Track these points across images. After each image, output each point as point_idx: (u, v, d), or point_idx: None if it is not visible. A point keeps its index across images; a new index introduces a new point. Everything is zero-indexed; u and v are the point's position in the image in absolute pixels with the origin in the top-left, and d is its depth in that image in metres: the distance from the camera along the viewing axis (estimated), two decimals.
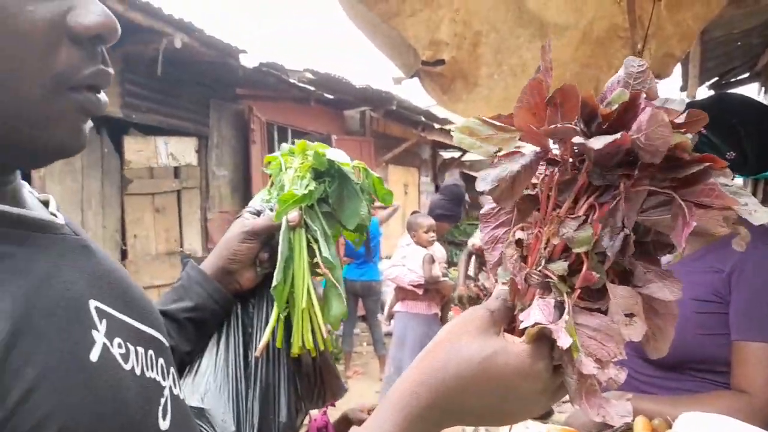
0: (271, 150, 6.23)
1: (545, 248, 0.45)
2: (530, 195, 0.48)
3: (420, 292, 3.87)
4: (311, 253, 0.84)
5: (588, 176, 0.45)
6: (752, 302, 1.10)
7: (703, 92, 4.55)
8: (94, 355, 0.45)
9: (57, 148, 0.45)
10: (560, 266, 0.44)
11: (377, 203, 0.94)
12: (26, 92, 0.41)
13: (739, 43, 3.93)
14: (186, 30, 4.20)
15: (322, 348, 0.84)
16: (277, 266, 0.80)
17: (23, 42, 0.39)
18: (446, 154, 11.11)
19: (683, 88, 3.87)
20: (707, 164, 0.42)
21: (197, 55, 4.58)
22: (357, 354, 6.36)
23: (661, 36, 2.25)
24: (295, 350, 0.81)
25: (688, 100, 2.59)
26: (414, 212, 8.37)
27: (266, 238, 0.84)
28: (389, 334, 4.61)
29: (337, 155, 0.87)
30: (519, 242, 0.47)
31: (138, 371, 0.50)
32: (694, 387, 1.16)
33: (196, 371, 0.80)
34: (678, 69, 4.03)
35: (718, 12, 2.26)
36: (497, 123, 0.49)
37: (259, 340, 0.82)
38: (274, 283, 0.80)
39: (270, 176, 0.92)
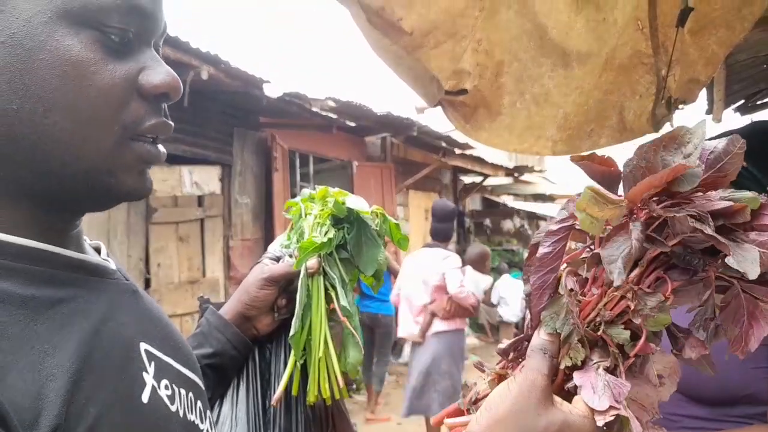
0: (293, 177, 6.29)
1: (604, 307, 0.44)
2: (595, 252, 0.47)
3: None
4: (328, 300, 0.84)
5: (670, 253, 0.44)
6: None
7: (729, 115, 4.48)
8: (145, 397, 0.48)
9: (125, 193, 0.49)
10: (622, 335, 0.43)
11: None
12: (101, 141, 0.46)
13: (765, 66, 3.87)
14: (213, 62, 4.31)
15: (337, 397, 0.83)
16: (296, 314, 0.81)
17: (102, 97, 0.45)
18: (467, 179, 11.10)
19: (708, 112, 3.82)
20: None
21: (223, 86, 4.69)
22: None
23: (686, 61, 2.23)
24: (311, 398, 0.81)
25: (713, 123, 2.52)
26: None
27: (285, 284, 0.84)
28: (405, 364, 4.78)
29: (357, 203, 0.88)
30: (572, 292, 0.47)
31: (181, 413, 0.53)
32: (743, 424, 1.11)
33: (217, 419, 0.80)
34: (703, 92, 3.99)
35: (743, 36, 2.24)
36: (610, 196, 0.47)
37: (277, 387, 0.81)
38: (292, 331, 0.80)
39: (291, 221, 0.93)
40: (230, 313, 0.82)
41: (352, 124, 6.52)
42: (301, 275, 0.82)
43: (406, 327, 4.21)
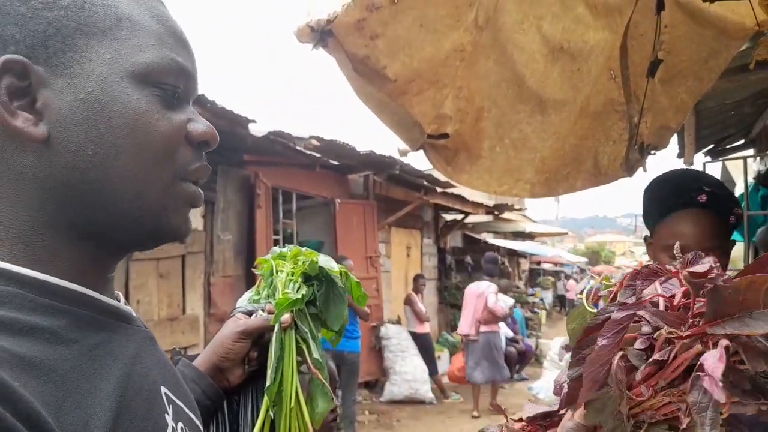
0: (276, 214, 6.30)
1: (651, 407, 0.45)
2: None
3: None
4: (299, 353, 0.89)
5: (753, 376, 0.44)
6: None
7: (699, 158, 4.64)
8: None
9: (173, 231, 0.55)
10: None
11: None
12: (160, 180, 0.52)
13: (732, 113, 4.05)
14: (199, 102, 4.37)
15: None
16: (270, 366, 0.86)
17: (162, 141, 0.52)
18: (448, 217, 11.21)
19: (680, 155, 3.96)
20: None
21: None
22: (359, 423, 6.18)
23: (657, 109, 2.33)
24: None
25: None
26: (417, 275, 8.36)
27: (257, 338, 0.89)
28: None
29: (327, 262, 0.95)
30: (621, 389, 0.46)
31: None
32: None
33: None
34: (674, 137, 4.14)
35: (710, 86, 2.36)
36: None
37: None
38: (267, 382, 0.85)
39: (261, 276, 0.99)
40: (204, 364, 0.86)
41: (336, 163, 6.60)
42: (276, 329, 0.87)
43: (465, 328, 7.23)
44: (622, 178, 2.26)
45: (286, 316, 0.87)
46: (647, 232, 1.37)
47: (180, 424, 0.56)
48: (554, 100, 2.09)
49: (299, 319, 0.89)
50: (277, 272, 0.94)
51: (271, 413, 0.86)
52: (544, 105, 2.08)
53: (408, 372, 7.29)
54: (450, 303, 10.88)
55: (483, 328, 7.04)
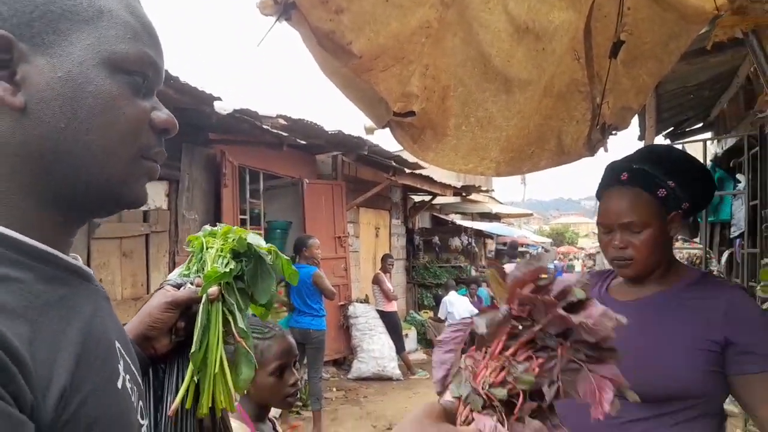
0: (243, 193, 6.22)
1: (490, 375, 0.59)
2: (483, 336, 0.63)
3: None
4: (225, 324, 0.94)
5: (535, 334, 0.60)
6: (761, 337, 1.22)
7: (660, 141, 4.76)
8: (120, 384, 0.59)
9: (131, 200, 0.61)
10: (500, 393, 0.58)
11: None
12: (123, 156, 0.58)
13: (692, 96, 4.16)
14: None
15: (228, 410, 0.94)
16: (196, 334, 0.90)
17: (129, 123, 0.58)
18: (417, 198, 11.26)
19: (641, 137, 4.06)
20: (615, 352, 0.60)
21: (172, 102, 4.61)
22: (327, 400, 6.23)
23: (619, 90, 2.37)
24: (204, 410, 0.90)
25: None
26: (385, 255, 8.41)
27: (184, 309, 0.93)
28: None
29: (256, 240, 1.01)
30: (467, 367, 0.62)
31: (135, 406, 0.63)
32: (678, 421, 1.22)
33: None
34: (635, 119, 4.24)
35: (670, 68, 2.41)
36: (501, 280, 0.65)
37: (170, 403, 0.90)
38: (192, 349, 0.90)
39: (191, 253, 1.04)
40: (132, 332, 0.89)
41: (303, 142, 6.53)
42: (203, 301, 0.92)
43: None
44: (584, 157, 2.30)
45: (213, 289, 0.92)
46: None
47: (127, 377, 0.62)
48: (519, 79, 2.10)
49: (226, 292, 0.95)
50: (207, 248, 0.99)
51: (195, 379, 0.91)
52: (510, 84, 2.10)
53: (375, 350, 7.37)
54: (418, 282, 11.00)
55: None
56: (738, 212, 4.39)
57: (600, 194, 1.38)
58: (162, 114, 0.62)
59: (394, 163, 8.04)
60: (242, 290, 0.98)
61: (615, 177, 1.34)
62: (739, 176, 4.42)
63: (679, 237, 4.62)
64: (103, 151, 0.56)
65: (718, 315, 1.23)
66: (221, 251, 0.98)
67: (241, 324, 0.94)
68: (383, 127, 1.95)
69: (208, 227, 1.05)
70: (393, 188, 9.82)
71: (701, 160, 4.65)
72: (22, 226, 0.53)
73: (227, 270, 0.94)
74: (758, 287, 2.64)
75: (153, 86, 0.62)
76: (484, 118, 2.07)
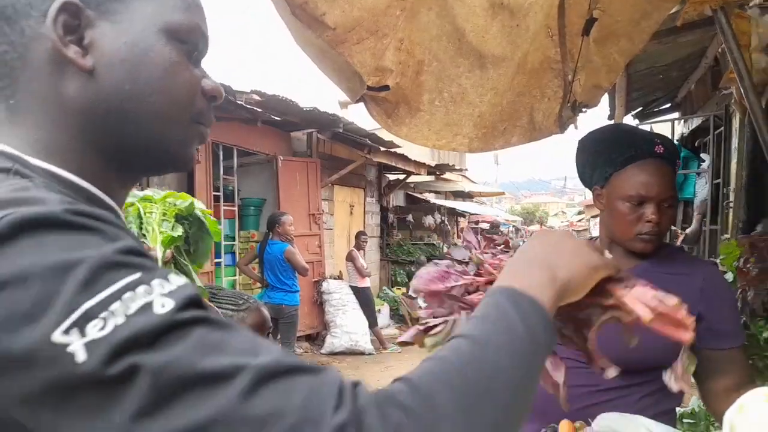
0: (217, 170, 6.14)
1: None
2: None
3: None
4: None
5: None
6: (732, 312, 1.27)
7: (629, 120, 4.85)
8: None
9: (185, 162, 0.65)
10: None
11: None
12: (180, 119, 0.61)
13: (660, 76, 4.23)
14: None
15: None
16: None
17: (187, 88, 0.61)
18: (392, 176, 11.27)
19: (611, 117, 4.12)
20: None
21: None
22: None
23: (590, 68, 2.40)
24: None
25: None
26: (359, 232, 8.43)
27: None
28: None
29: (199, 204, 1.06)
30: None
31: None
32: (646, 393, 1.25)
33: None
34: (606, 99, 4.30)
35: (642, 47, 2.45)
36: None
37: None
38: None
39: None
40: None
41: (278, 119, 6.46)
42: (160, 264, 0.95)
43: None
44: (554, 134, 2.33)
45: (168, 252, 0.96)
46: (579, 193, 1.46)
47: None
48: (493, 55, 2.11)
49: (177, 254, 1.00)
50: (145, 214, 1.02)
51: None
52: (484, 60, 2.11)
53: (348, 325, 7.43)
54: (391, 260, 11.07)
55: None
56: (701, 191, 4.52)
57: (623, 164, 1.28)
58: (211, 82, 0.65)
59: (369, 141, 8.01)
60: (186, 251, 1.02)
61: (647, 149, 1.26)
62: (703, 155, 4.54)
63: None
64: (164, 113, 0.59)
65: (695, 290, 1.24)
66: (165, 216, 1.00)
67: (198, 283, 0.97)
68: (357, 102, 1.95)
69: (137, 192, 1.06)
70: (368, 166, 9.80)
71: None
72: (91, 182, 0.57)
73: (179, 234, 0.99)
74: (718, 261, 2.74)
75: (201, 57, 0.66)
76: (457, 94, 2.08)
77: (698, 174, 4.72)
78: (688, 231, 4.77)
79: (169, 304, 0.39)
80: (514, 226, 27.56)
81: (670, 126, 4.76)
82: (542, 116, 2.35)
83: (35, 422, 0.37)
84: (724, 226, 3.54)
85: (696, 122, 4.82)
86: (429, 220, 12.79)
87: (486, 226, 23.10)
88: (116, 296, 0.38)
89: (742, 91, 1.43)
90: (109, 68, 0.57)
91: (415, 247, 11.77)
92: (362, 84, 1.79)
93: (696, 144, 5.00)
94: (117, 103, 0.57)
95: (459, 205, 16.55)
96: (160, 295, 0.39)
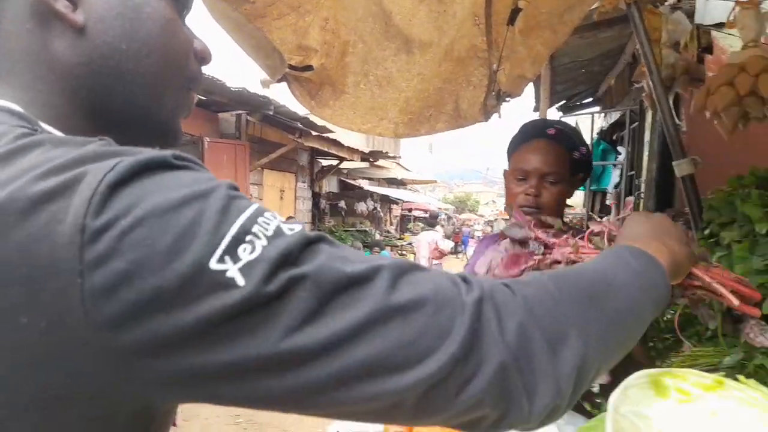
0: None
1: None
2: None
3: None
4: None
5: None
6: None
7: (553, 113, 5.01)
8: None
9: (174, 134, 0.58)
10: None
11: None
12: (175, 83, 0.56)
13: (583, 71, 4.39)
14: None
15: None
16: None
17: (184, 47, 0.57)
18: (325, 162, 11.15)
19: (536, 109, 4.24)
20: None
21: None
22: None
23: (515, 58, 2.44)
24: None
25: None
26: (288, 217, 8.29)
27: None
28: None
29: None
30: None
31: None
32: None
33: None
34: (532, 91, 4.42)
35: (564, 40, 2.51)
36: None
37: None
38: None
39: None
40: None
41: (203, 98, 6.20)
42: None
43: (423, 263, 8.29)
44: (479, 122, 2.36)
45: None
46: (502, 182, 1.50)
47: None
48: (420, 40, 2.10)
49: None
50: None
51: None
52: (410, 45, 2.09)
53: None
54: None
55: (434, 262, 9.43)
56: (616, 182, 4.76)
57: (518, 146, 1.41)
58: (201, 42, 0.60)
59: (301, 125, 7.87)
60: None
61: (540, 131, 1.38)
62: (620, 148, 4.77)
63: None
64: (160, 75, 0.54)
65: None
66: None
67: None
68: (279, 81, 1.88)
69: None
70: (300, 151, 9.64)
71: (590, 133, 4.96)
72: None
73: None
74: None
75: (187, 15, 0.62)
76: (383, 78, 2.04)
77: (615, 166, 4.96)
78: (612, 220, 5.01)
79: (295, 227, 0.41)
80: (446, 214, 28.16)
81: (590, 119, 4.96)
82: (467, 104, 2.37)
83: (175, 375, 0.37)
84: None
85: (615, 116, 5.04)
86: (362, 207, 12.79)
87: (419, 213, 23.48)
88: (251, 222, 0.39)
89: (651, 85, 1.49)
90: (101, 24, 0.51)
91: (347, 233, 11.74)
92: (283, 62, 1.72)
93: (614, 137, 5.25)
94: (112, 64, 0.52)
95: (392, 192, 16.65)
96: (281, 221, 0.41)
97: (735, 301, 0.63)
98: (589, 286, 0.48)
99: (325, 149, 9.21)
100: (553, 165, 1.34)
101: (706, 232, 1.26)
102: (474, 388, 0.40)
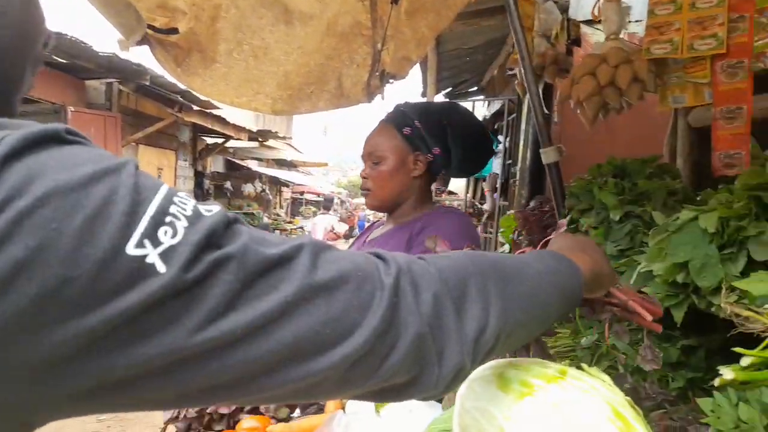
0: None
1: None
2: None
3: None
4: None
5: None
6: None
7: (440, 99, 5.11)
8: None
9: (9, 115, 0.47)
10: None
11: None
12: (24, 62, 0.50)
13: (468, 59, 4.49)
14: None
15: None
16: None
17: (38, 24, 0.51)
18: (210, 140, 10.59)
19: (423, 94, 4.28)
20: None
21: None
22: None
23: (400, 39, 2.40)
24: None
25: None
26: None
27: None
28: None
29: None
30: None
31: None
32: None
33: None
34: (419, 76, 4.46)
35: (449, 24, 2.51)
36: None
37: None
38: None
39: None
40: None
41: (64, 62, 5.57)
42: None
43: None
44: (362, 102, 2.30)
45: None
46: None
47: None
48: (300, 11, 1.99)
49: None
50: None
51: None
52: (290, 15, 1.97)
53: None
54: None
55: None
56: (495, 170, 4.97)
57: None
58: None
59: (181, 98, 7.38)
60: None
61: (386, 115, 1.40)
62: (501, 137, 4.98)
63: (441, 188, 5.07)
64: (13, 51, 0.48)
65: (407, 239, 1.29)
66: None
67: None
68: (140, 43, 1.69)
69: None
70: (181, 126, 9.07)
71: None
72: None
73: None
74: (500, 233, 3.03)
75: None
76: (259, 48, 1.91)
77: (495, 155, 5.17)
78: (486, 207, 5.22)
79: (213, 207, 0.39)
80: (339, 198, 28.16)
81: (472, 107, 5.12)
82: (350, 83, 2.30)
83: (88, 371, 0.32)
84: (511, 203, 3.93)
85: (496, 106, 5.25)
86: (249, 189, 12.37)
87: (311, 197, 23.21)
88: (168, 202, 0.36)
89: (523, 71, 1.51)
90: None
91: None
92: (140, 22, 1.54)
93: (495, 126, 5.47)
94: None
95: (283, 174, 16.27)
96: (196, 201, 0.38)
97: (648, 317, 0.67)
98: (502, 268, 0.51)
99: (209, 126, 8.74)
100: (375, 146, 1.35)
101: (568, 218, 1.29)
102: (394, 358, 0.41)
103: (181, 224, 0.35)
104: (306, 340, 0.38)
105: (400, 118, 1.34)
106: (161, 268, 0.33)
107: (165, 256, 0.33)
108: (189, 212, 0.36)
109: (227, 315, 0.35)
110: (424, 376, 0.44)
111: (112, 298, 0.32)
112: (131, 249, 0.32)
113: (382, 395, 0.45)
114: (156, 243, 0.33)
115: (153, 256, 0.33)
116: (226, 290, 0.35)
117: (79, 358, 0.32)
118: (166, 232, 0.34)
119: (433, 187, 1.44)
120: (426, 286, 0.44)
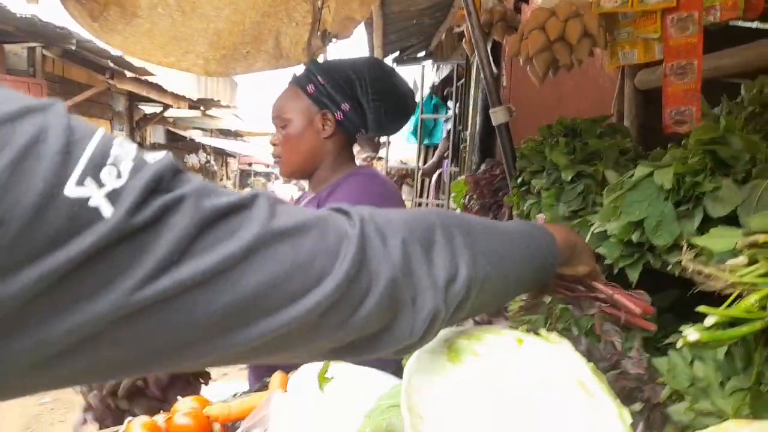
0: None
1: None
2: None
3: None
4: None
5: None
6: None
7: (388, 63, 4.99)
8: None
9: None
10: None
11: None
12: None
13: (415, 21, 4.38)
14: None
15: None
16: None
17: None
18: (148, 109, 10.08)
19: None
20: None
21: None
22: None
23: None
24: None
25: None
26: None
27: None
28: None
29: None
30: None
31: None
32: None
33: None
34: (365, 39, 4.32)
35: None
36: None
37: None
38: None
39: None
40: None
41: None
42: None
43: None
44: (302, 63, 2.17)
45: None
46: None
47: None
48: None
49: None
50: None
51: None
52: None
53: None
54: None
55: None
56: (445, 135, 4.92)
57: None
58: None
59: (113, 65, 6.93)
60: None
61: None
62: (450, 103, 4.92)
63: (367, 152, 4.97)
64: None
65: (326, 200, 1.21)
66: None
67: None
68: None
69: None
70: (115, 95, 8.58)
71: (420, 87, 5.03)
72: None
73: None
74: (451, 198, 2.99)
75: None
76: (186, 3, 1.75)
77: (445, 121, 5.12)
78: (424, 165, 5.18)
79: (157, 154, 0.35)
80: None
81: (421, 73, 5.03)
82: (290, 42, 2.16)
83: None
84: (462, 168, 3.90)
85: (446, 72, 5.17)
86: (193, 160, 11.95)
87: (261, 168, 22.64)
88: (108, 142, 0.31)
89: (470, 28, 1.44)
90: None
91: None
92: None
93: (445, 93, 5.40)
94: None
95: (229, 144, 15.75)
96: (137, 146, 0.34)
97: (637, 311, 0.66)
98: (468, 223, 0.51)
99: (144, 93, 8.28)
100: (280, 109, 1.27)
101: (519, 180, 1.24)
102: (368, 304, 0.40)
103: (125, 166, 0.31)
104: (272, 288, 0.36)
105: (304, 77, 1.25)
106: (107, 211, 0.29)
107: (111, 197, 0.30)
108: (133, 154, 0.32)
109: (182, 262, 0.32)
110: (399, 322, 0.43)
111: (50, 248, 0.28)
112: (71, 189, 0.28)
113: (355, 349, 0.43)
114: (100, 183, 0.29)
115: (97, 198, 0.29)
116: (180, 236, 0.32)
117: (10, 325, 0.28)
118: (110, 172, 0.30)
119: (364, 154, 1.37)
120: (392, 234, 0.43)
